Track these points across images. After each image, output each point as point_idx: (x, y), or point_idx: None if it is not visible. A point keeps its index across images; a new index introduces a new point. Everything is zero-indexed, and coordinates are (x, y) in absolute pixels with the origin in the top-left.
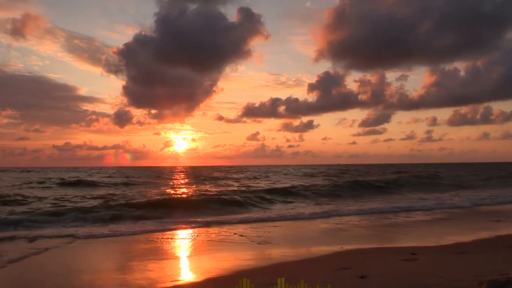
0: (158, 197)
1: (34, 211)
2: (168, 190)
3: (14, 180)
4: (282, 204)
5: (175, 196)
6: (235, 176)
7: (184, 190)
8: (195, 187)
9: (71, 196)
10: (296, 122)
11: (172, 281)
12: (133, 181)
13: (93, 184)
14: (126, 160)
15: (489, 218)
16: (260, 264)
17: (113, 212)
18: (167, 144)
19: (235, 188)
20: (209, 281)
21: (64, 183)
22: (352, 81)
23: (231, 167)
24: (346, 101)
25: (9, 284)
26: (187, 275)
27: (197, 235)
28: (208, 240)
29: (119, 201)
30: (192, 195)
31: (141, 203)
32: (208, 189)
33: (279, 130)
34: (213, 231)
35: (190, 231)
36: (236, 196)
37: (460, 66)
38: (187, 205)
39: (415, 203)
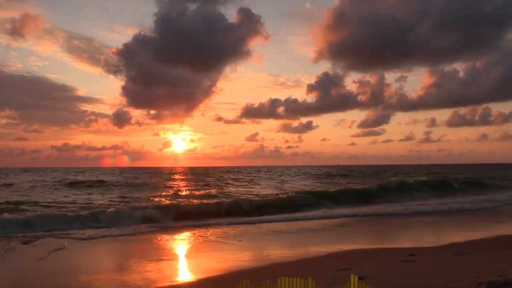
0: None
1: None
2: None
3: (30, 182)
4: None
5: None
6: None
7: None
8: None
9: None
10: (295, 123)
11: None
12: (154, 182)
13: (113, 185)
14: (124, 160)
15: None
16: (258, 265)
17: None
18: (166, 144)
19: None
20: (207, 281)
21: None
22: (352, 82)
23: (232, 167)
24: (345, 102)
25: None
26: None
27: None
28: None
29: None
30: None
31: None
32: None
33: (278, 131)
34: None
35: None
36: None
37: (460, 67)
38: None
39: None
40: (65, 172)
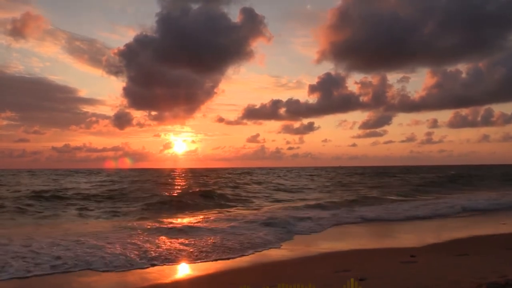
0: None
1: None
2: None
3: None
4: None
5: None
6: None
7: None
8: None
9: None
10: (296, 124)
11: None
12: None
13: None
14: (125, 162)
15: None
16: (258, 265)
17: None
18: (167, 146)
19: None
20: (206, 280)
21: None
22: (353, 83)
23: (239, 169)
24: (347, 103)
25: None
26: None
27: None
28: None
29: None
30: None
31: None
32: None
33: (279, 132)
34: None
35: None
36: None
37: (462, 68)
38: None
39: None
40: (86, 175)
